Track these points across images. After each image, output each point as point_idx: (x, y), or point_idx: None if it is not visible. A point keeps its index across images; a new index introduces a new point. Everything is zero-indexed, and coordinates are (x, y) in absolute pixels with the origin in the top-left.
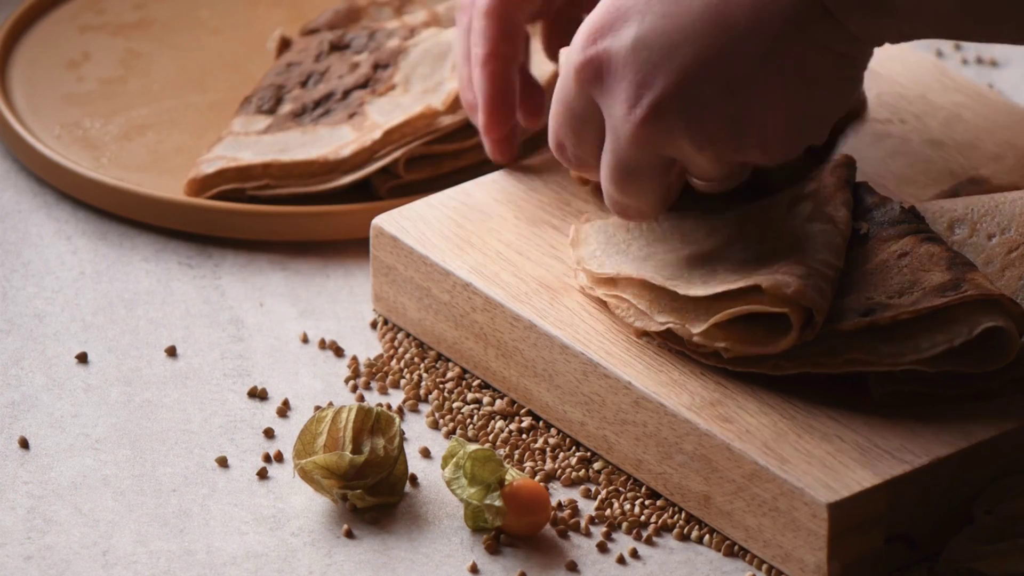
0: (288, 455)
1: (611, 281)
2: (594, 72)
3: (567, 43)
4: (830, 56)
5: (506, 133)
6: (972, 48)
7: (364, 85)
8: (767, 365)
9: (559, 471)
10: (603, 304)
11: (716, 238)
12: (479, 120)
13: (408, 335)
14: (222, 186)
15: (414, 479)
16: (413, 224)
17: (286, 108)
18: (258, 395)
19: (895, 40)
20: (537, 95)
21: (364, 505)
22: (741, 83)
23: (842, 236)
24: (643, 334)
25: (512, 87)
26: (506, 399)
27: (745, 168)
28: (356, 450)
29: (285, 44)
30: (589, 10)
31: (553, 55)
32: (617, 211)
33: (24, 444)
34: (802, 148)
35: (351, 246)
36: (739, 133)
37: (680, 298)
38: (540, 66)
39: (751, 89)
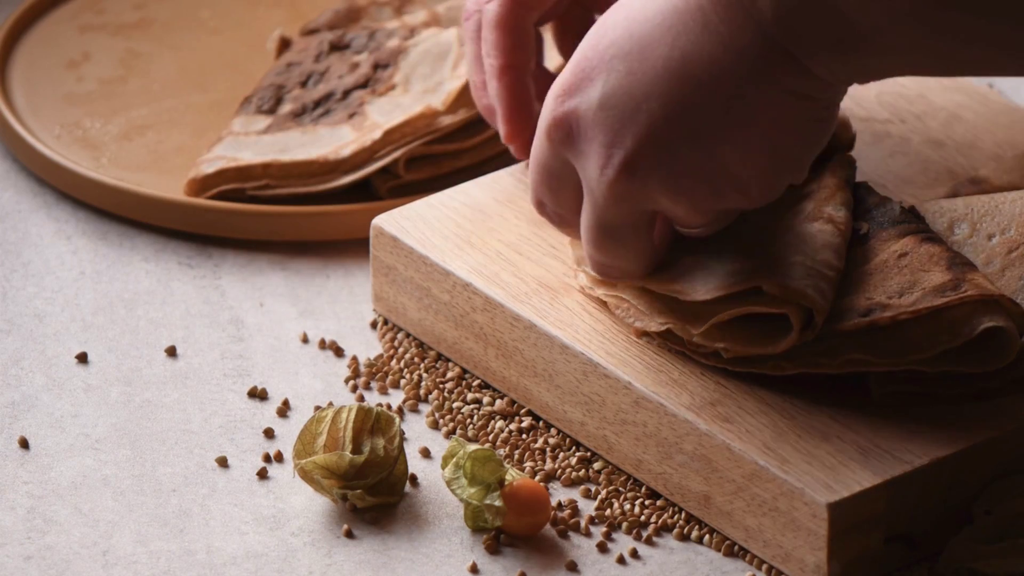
0: (288, 455)
1: (610, 282)
2: (565, 132)
3: (579, 41)
4: (797, 100)
5: (528, 137)
6: None
7: (364, 85)
8: (767, 365)
9: (559, 471)
10: (603, 304)
11: (715, 239)
12: (500, 130)
13: (408, 335)
14: (222, 186)
15: (414, 479)
16: (413, 224)
17: (286, 108)
18: (258, 395)
19: (863, 80)
20: None
21: (364, 505)
22: (708, 133)
23: (842, 236)
24: (643, 334)
25: (529, 93)
26: (506, 399)
27: (729, 213)
28: (356, 450)
29: (285, 44)
30: (600, 8)
31: (567, 53)
32: (601, 272)
33: (24, 444)
34: (782, 189)
35: (351, 246)
36: (713, 181)
37: (681, 300)
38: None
39: (719, 138)
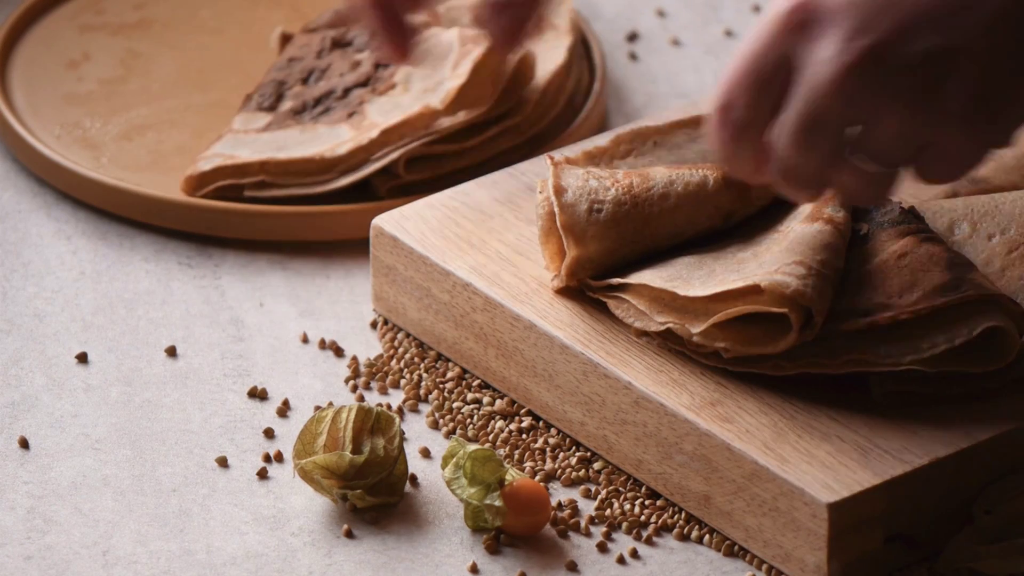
0: (288, 455)
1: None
2: (803, 17)
3: None
4: None
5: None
6: None
7: (364, 84)
8: (767, 365)
9: (559, 471)
10: (603, 304)
11: (715, 239)
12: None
13: (408, 335)
14: (219, 182)
15: (414, 479)
16: (413, 224)
17: (287, 105)
18: (258, 395)
19: None
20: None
21: (364, 505)
22: (965, 42)
23: (842, 237)
24: (643, 334)
25: (400, 23)
26: (506, 399)
27: (902, 173)
28: (356, 450)
29: (286, 39)
30: None
31: None
32: (782, 174)
33: (24, 444)
34: (995, 138)
35: (351, 246)
36: (945, 93)
37: (680, 298)
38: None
39: (973, 47)
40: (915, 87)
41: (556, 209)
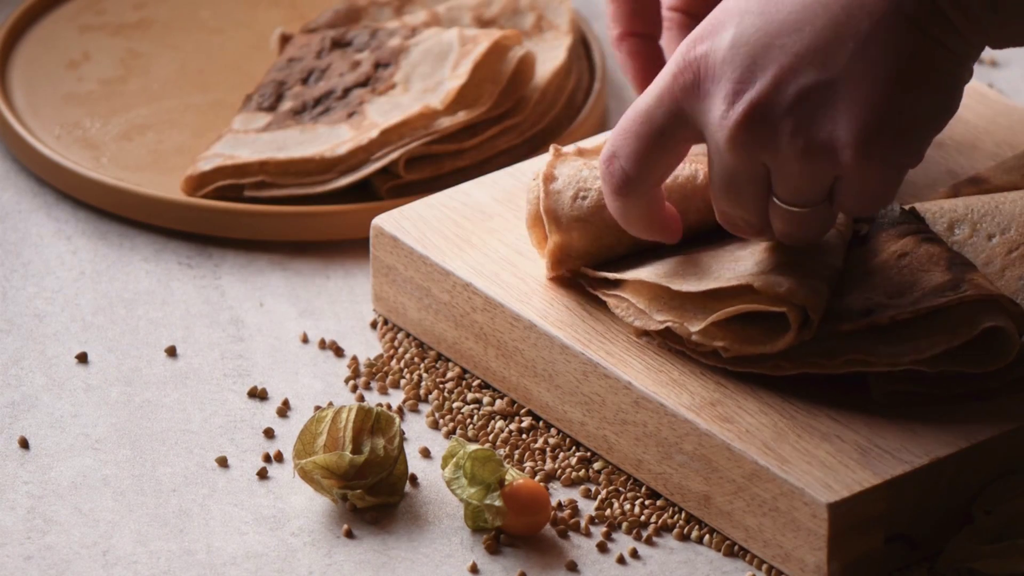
0: (288, 455)
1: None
2: (692, 77)
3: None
4: (931, 45)
5: None
6: None
7: (364, 83)
8: (767, 365)
9: (559, 471)
10: (603, 304)
11: (713, 239)
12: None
13: (408, 335)
14: (218, 182)
15: (414, 479)
16: (413, 224)
17: (286, 105)
18: (258, 395)
19: (997, 43)
20: None
21: (364, 505)
22: (842, 72)
23: (841, 237)
24: (643, 334)
25: (654, 53)
26: (506, 399)
27: (825, 217)
28: (356, 450)
29: (286, 40)
30: None
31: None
32: (727, 223)
33: (24, 444)
34: (898, 159)
35: (351, 246)
36: (835, 126)
37: (678, 297)
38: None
39: (851, 76)
40: (800, 127)
41: (542, 195)
